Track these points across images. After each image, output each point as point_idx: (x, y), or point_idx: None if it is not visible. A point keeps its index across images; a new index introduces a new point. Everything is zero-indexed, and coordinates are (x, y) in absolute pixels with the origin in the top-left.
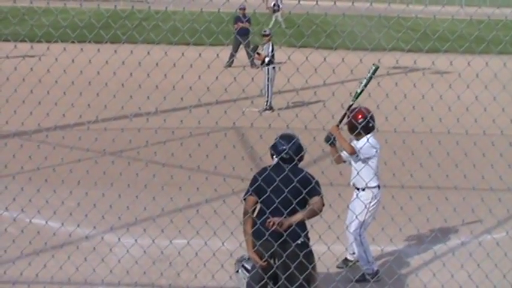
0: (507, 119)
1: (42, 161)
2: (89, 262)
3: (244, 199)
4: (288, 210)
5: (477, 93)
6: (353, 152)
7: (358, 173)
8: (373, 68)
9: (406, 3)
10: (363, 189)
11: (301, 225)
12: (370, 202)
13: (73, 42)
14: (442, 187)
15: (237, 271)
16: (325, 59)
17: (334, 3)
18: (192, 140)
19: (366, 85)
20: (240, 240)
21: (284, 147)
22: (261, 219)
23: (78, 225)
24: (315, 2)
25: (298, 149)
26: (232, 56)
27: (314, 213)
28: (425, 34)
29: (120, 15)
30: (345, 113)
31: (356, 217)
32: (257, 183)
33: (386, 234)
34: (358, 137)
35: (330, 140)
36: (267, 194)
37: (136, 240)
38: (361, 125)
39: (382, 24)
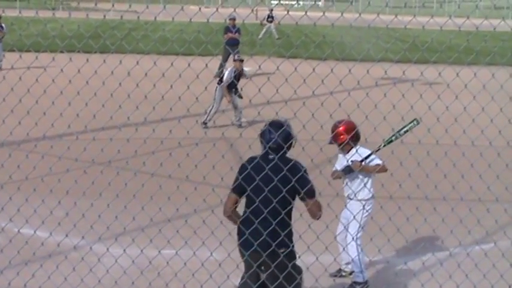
0: (495, 130)
1: (31, 171)
2: (77, 272)
3: (231, 191)
4: (277, 200)
5: (465, 104)
6: (368, 170)
7: (362, 184)
8: (414, 123)
9: (395, 13)
10: (360, 200)
11: (288, 232)
12: (367, 209)
13: (62, 52)
14: (431, 198)
15: None
16: (314, 69)
17: (323, 13)
18: (181, 150)
19: (400, 135)
20: (228, 251)
21: (273, 136)
22: (247, 225)
23: (67, 235)
24: (303, 13)
25: (288, 137)
26: (221, 66)
27: (315, 214)
28: (414, 45)
29: (109, 25)
30: (371, 153)
31: (355, 219)
32: (245, 174)
33: (374, 244)
34: (347, 148)
35: (348, 172)
36: (255, 183)
37: (124, 250)
38: (350, 136)
39: (371, 35)
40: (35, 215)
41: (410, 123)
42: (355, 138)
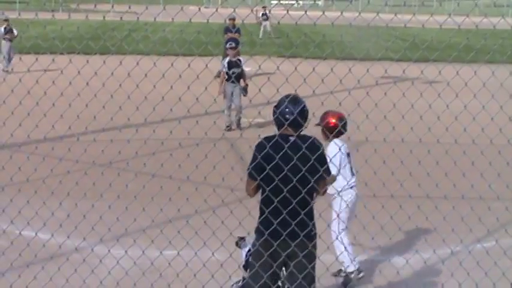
0: (496, 128)
1: (32, 173)
2: (79, 274)
3: (249, 174)
4: (303, 183)
5: (466, 102)
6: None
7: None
8: None
9: (395, 12)
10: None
11: (313, 218)
12: (345, 199)
13: (62, 53)
14: (432, 196)
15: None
16: (314, 69)
17: (323, 13)
18: (182, 151)
19: None
20: (230, 251)
21: (291, 114)
22: (272, 212)
23: (68, 237)
24: (303, 12)
25: (307, 114)
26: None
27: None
28: (414, 43)
29: (109, 26)
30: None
31: (337, 215)
32: (263, 153)
33: (376, 243)
34: (323, 137)
35: None
36: (277, 165)
37: (126, 251)
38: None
39: (371, 34)
40: (36, 216)
41: None
42: (337, 131)
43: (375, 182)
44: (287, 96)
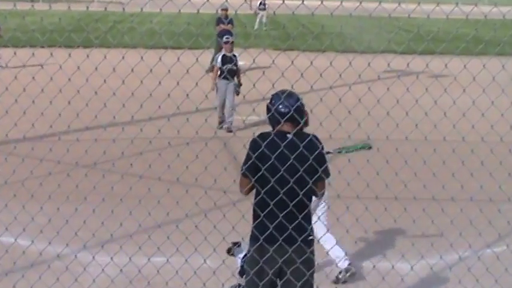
0: (506, 124)
1: (10, 175)
2: (62, 282)
3: (243, 174)
4: (301, 184)
5: (474, 97)
6: None
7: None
8: (366, 146)
9: (398, 2)
10: None
11: (310, 221)
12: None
13: (42, 46)
14: (438, 198)
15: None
16: (311, 62)
17: (322, 2)
18: (171, 151)
19: (344, 152)
20: (223, 257)
21: (288, 109)
22: (267, 215)
23: (50, 243)
24: (300, 2)
25: (303, 109)
26: (213, 60)
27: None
28: (418, 35)
29: (93, 17)
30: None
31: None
32: (258, 152)
33: (379, 248)
34: None
35: None
36: (273, 164)
37: (112, 258)
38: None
39: (372, 25)
40: (15, 222)
41: (361, 146)
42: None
43: (377, 183)
44: (281, 91)
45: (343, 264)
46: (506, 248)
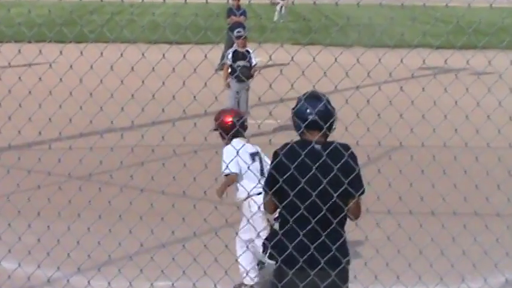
0: None
1: None
2: None
3: (265, 192)
4: (331, 202)
5: None
6: None
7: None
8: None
9: None
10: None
11: (344, 243)
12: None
13: (29, 42)
14: (481, 213)
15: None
16: (336, 59)
17: None
18: (176, 160)
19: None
20: (235, 281)
21: (312, 115)
22: (292, 236)
23: (39, 266)
24: None
25: (332, 116)
26: (224, 56)
27: (357, 216)
28: (458, 27)
29: (87, 8)
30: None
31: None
32: (282, 168)
33: (413, 270)
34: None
35: None
36: (291, 183)
37: (109, 283)
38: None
39: (405, 16)
40: None
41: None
42: (235, 131)
43: (412, 195)
44: (305, 95)
45: (247, 280)
46: None
